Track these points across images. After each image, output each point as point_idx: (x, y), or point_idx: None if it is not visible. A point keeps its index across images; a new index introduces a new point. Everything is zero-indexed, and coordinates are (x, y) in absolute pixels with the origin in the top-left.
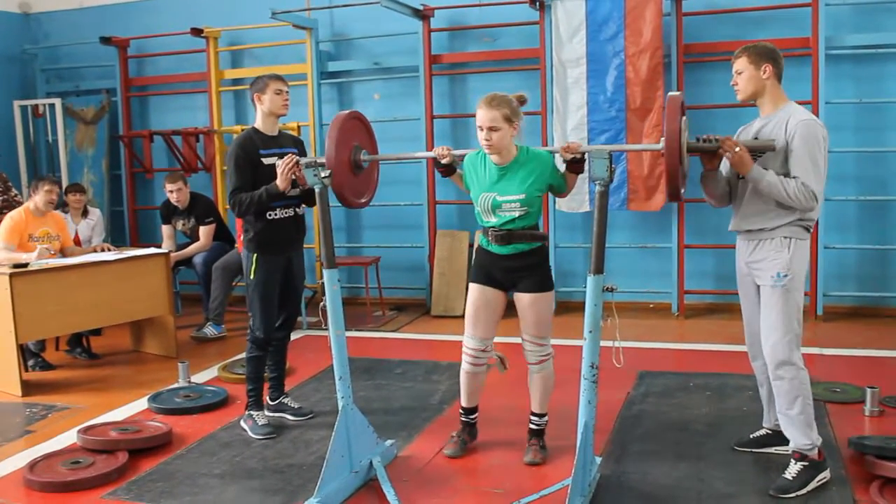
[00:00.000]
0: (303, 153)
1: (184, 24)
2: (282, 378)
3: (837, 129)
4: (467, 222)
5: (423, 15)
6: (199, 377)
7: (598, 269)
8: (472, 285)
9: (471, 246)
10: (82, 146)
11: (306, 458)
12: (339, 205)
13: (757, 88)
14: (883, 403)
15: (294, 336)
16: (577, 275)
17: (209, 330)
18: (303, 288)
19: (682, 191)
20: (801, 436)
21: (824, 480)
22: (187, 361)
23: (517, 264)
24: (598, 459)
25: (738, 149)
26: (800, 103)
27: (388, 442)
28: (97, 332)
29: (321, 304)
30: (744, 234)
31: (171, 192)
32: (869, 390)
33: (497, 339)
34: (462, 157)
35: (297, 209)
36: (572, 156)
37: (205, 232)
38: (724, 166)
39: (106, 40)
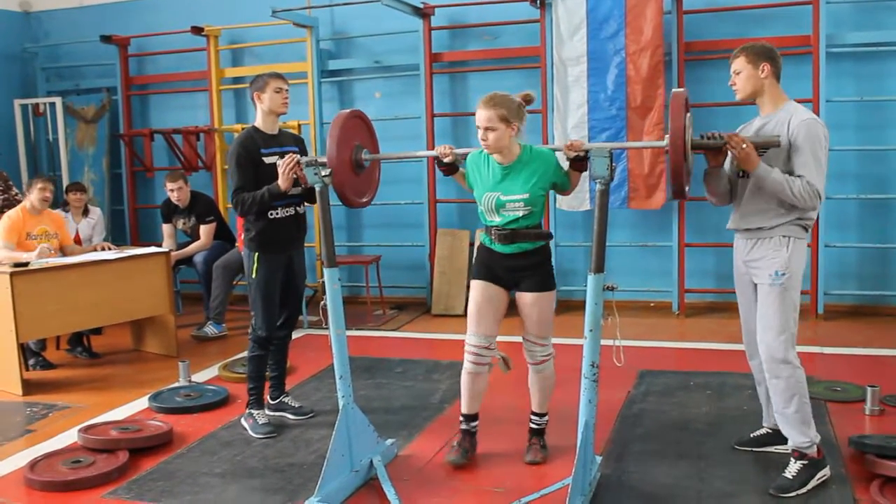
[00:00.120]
0: (304, 151)
1: (184, 23)
2: (283, 377)
3: (838, 127)
4: (468, 221)
5: (424, 13)
6: (200, 376)
7: (599, 268)
8: (474, 282)
9: (471, 245)
10: (83, 145)
11: (307, 457)
12: (340, 203)
13: (756, 88)
14: (883, 402)
15: (295, 335)
16: (577, 273)
17: (210, 329)
18: (304, 287)
19: (687, 188)
20: (798, 434)
21: (824, 478)
22: (188, 360)
23: (520, 263)
24: (599, 458)
25: (744, 145)
26: (800, 101)
27: (389, 441)
28: (98, 331)
29: (322, 302)
30: (742, 232)
31: (172, 190)
32: (869, 389)
33: (497, 339)
34: (464, 155)
35: (298, 208)
36: (575, 154)
37: (205, 231)
38: (726, 164)
39: (106, 39)
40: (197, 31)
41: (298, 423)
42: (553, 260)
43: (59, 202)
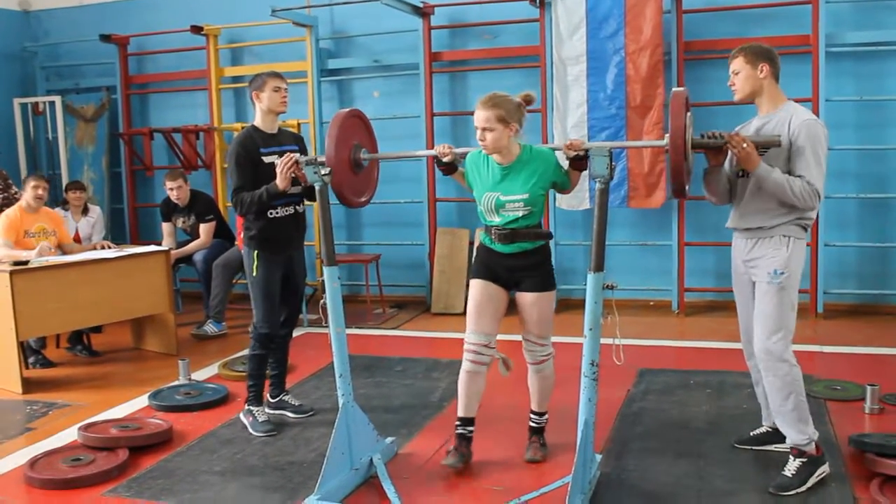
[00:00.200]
0: (303, 150)
1: (184, 22)
2: (283, 376)
3: (838, 126)
4: (467, 220)
5: (424, 12)
6: (200, 374)
7: (599, 267)
8: (473, 281)
9: (471, 243)
10: (82, 144)
11: (307, 455)
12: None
13: (754, 88)
14: (883, 401)
15: (295, 333)
16: (577, 272)
17: (209, 327)
18: (304, 286)
19: (687, 187)
20: (796, 432)
21: (824, 475)
22: (188, 359)
23: (521, 263)
24: (599, 457)
25: (745, 144)
26: (800, 101)
27: (389, 439)
28: (97, 329)
29: (321, 301)
30: (742, 231)
31: (172, 189)
32: (869, 388)
33: (497, 337)
34: (464, 155)
35: (298, 207)
36: (575, 153)
37: (205, 229)
38: (725, 163)
39: (106, 38)
40: (196, 30)
41: (298, 422)
42: (553, 259)
43: (58, 201)
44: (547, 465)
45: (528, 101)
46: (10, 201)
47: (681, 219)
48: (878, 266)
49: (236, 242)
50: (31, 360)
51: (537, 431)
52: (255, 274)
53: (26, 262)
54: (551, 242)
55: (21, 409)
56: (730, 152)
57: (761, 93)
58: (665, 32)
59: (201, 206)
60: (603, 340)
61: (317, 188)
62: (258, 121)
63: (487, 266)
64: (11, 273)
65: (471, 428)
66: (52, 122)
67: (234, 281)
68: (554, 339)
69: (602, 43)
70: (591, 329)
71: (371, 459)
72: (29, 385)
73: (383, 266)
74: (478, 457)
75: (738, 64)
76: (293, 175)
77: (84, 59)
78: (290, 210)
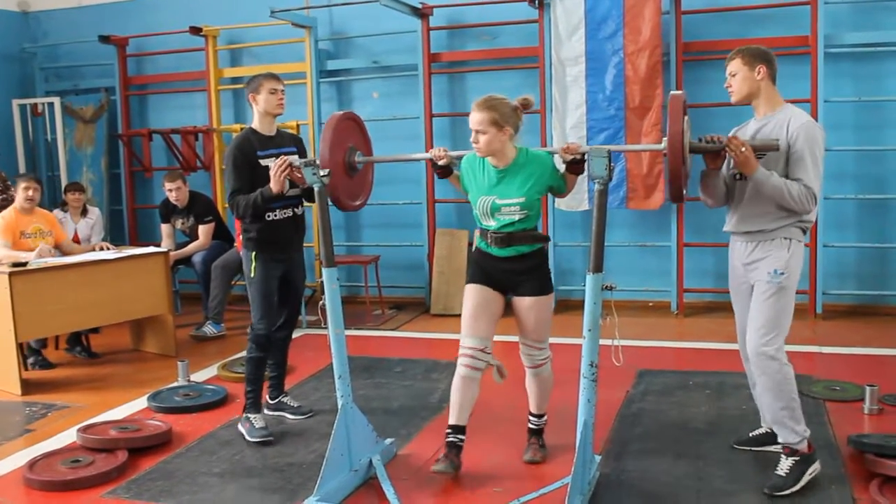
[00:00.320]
0: (302, 152)
1: (183, 23)
2: (282, 377)
3: (836, 127)
4: (466, 221)
5: (423, 13)
6: (199, 376)
7: (598, 268)
8: (469, 286)
9: (470, 244)
10: (81, 145)
11: (306, 456)
12: None
13: (752, 90)
14: (882, 401)
15: (294, 335)
16: (576, 273)
17: (208, 329)
18: (303, 287)
19: (685, 191)
20: (788, 431)
21: (815, 472)
22: (187, 360)
23: (517, 266)
24: (598, 458)
25: (744, 148)
26: (799, 102)
27: (388, 440)
28: (96, 330)
29: (320, 302)
30: (742, 235)
31: (171, 190)
32: (868, 388)
33: (494, 338)
34: (460, 158)
35: (296, 209)
36: (572, 157)
37: (204, 231)
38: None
39: (105, 39)
40: (195, 31)
41: (297, 423)
42: (551, 260)
43: (57, 202)
44: (546, 466)
45: (525, 105)
46: (10, 203)
47: (680, 220)
48: (876, 267)
49: (235, 244)
50: (30, 361)
51: (536, 433)
52: (253, 275)
53: (25, 264)
54: (550, 244)
55: (20, 411)
56: (727, 155)
57: (758, 95)
58: (664, 33)
59: (200, 207)
60: (602, 341)
61: (316, 190)
62: (256, 123)
63: (483, 270)
64: (10, 275)
65: (462, 437)
66: (51, 123)
67: (232, 282)
68: (553, 339)
69: (601, 44)
70: (590, 330)
71: (370, 461)
72: (28, 386)
73: (382, 267)
74: (477, 458)
75: (735, 66)
76: (287, 178)
77: (83, 60)
78: (289, 212)
